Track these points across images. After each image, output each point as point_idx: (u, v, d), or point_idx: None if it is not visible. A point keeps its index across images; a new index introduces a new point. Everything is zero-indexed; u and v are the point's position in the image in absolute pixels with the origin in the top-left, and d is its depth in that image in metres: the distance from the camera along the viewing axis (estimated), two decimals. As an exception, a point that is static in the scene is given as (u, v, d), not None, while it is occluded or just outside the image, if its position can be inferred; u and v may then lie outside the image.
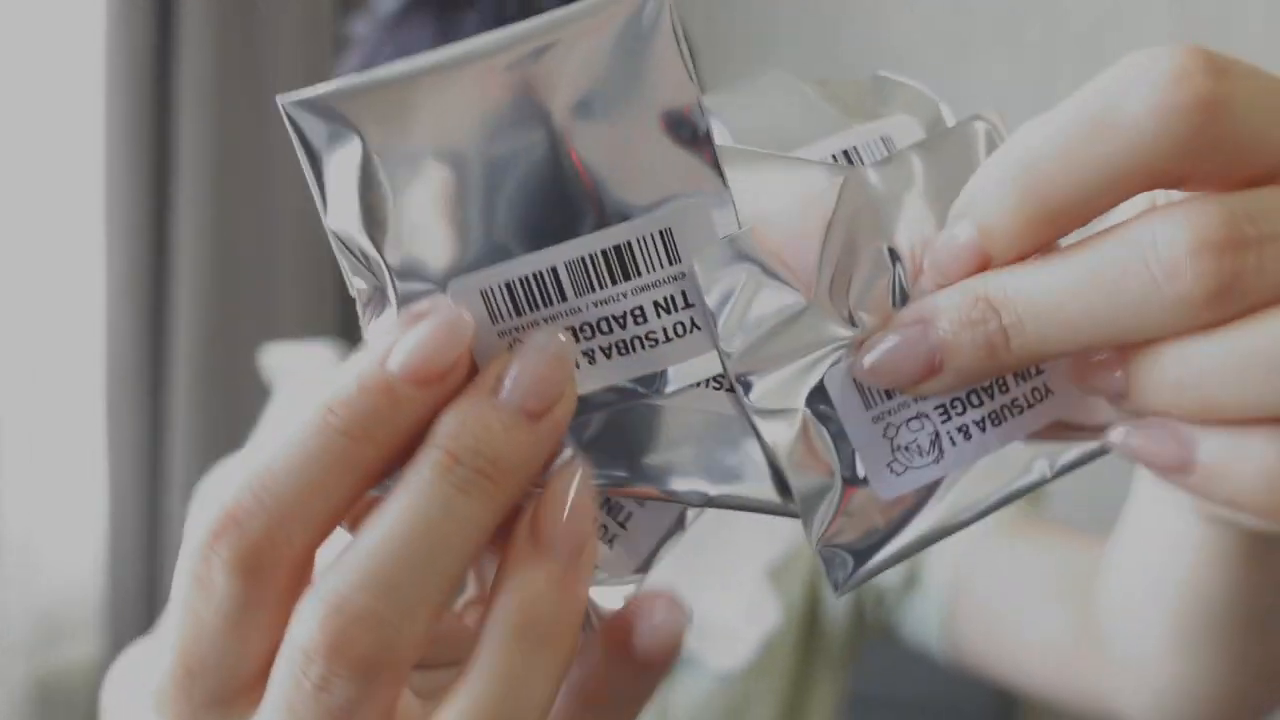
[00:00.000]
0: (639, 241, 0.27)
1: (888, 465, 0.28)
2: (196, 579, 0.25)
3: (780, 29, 1.71)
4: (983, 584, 0.68)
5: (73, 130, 1.23)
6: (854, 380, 0.27)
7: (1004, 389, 0.28)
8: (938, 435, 0.28)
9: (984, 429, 0.28)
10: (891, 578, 0.73)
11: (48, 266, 1.22)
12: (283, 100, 0.26)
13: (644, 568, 0.30)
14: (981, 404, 0.28)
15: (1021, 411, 0.28)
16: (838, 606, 0.78)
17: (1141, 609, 0.53)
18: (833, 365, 0.27)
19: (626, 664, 0.27)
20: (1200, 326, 0.23)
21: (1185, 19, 1.47)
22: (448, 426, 0.25)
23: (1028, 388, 0.28)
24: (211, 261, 1.27)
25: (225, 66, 1.28)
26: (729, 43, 1.73)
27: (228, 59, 1.29)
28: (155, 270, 1.26)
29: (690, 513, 0.30)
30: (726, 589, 0.74)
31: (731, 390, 0.27)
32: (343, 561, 0.24)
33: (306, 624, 0.24)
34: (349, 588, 0.24)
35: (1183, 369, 0.24)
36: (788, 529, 0.75)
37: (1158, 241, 0.23)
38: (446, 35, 0.67)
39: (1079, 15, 1.53)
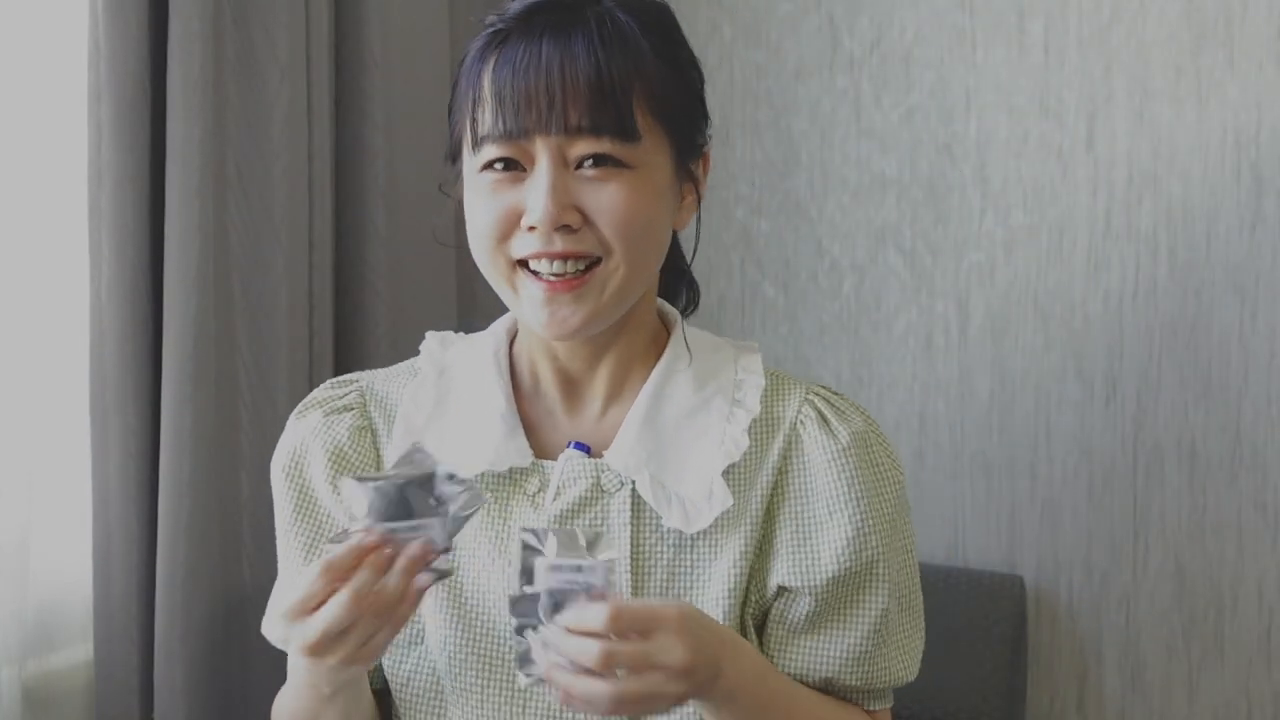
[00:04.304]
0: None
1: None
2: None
3: (782, 24, 1.69)
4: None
5: (64, 128, 1.22)
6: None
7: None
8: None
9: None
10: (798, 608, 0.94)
11: (38, 267, 1.21)
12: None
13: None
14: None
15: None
16: None
17: None
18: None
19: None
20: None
21: (1189, 14, 1.46)
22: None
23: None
24: (203, 262, 1.25)
25: (219, 63, 1.27)
26: (730, 39, 1.72)
27: (221, 56, 1.28)
28: (146, 271, 1.25)
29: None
30: (688, 472, 0.92)
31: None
32: None
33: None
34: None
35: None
36: (740, 446, 0.93)
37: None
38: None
39: (1082, 9, 1.52)
